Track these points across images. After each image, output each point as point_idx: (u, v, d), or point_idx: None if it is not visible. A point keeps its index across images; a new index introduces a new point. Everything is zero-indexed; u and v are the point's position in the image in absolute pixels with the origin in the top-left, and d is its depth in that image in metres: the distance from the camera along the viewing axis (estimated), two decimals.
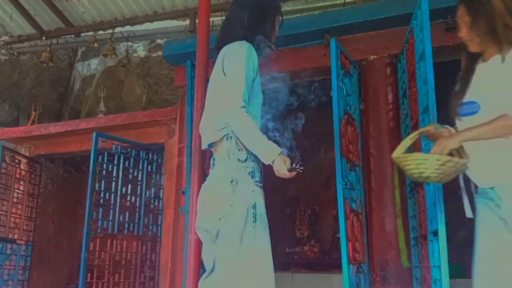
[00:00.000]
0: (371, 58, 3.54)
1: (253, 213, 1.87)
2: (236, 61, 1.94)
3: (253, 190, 1.90)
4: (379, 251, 3.25)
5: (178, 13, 4.76)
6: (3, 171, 4.78)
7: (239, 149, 1.92)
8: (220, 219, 1.90)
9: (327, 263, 4.19)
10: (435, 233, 2.38)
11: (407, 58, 3.15)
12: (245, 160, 1.92)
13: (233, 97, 1.88)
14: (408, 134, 3.16)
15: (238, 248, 1.85)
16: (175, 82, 4.31)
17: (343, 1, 4.53)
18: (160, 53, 6.03)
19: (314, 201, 5.31)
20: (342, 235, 2.77)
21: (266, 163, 1.87)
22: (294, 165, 1.82)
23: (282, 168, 1.83)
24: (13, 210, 4.91)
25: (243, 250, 1.85)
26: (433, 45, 2.55)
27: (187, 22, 4.75)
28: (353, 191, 3.09)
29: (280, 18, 2.16)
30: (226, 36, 2.08)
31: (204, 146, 2.11)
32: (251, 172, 1.92)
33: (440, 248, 2.31)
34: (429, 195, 2.52)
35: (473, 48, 1.95)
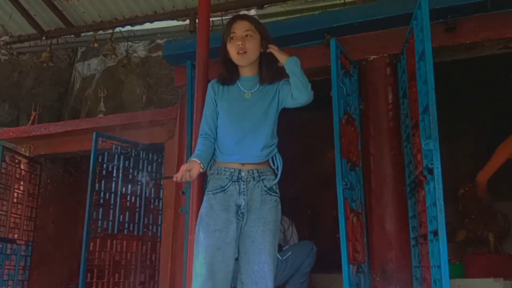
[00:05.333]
0: (371, 58, 3.54)
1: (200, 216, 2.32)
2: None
3: (204, 199, 2.36)
4: (379, 251, 3.25)
5: (178, 13, 4.76)
6: (3, 171, 4.77)
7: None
8: None
9: (327, 263, 4.18)
10: (435, 233, 2.38)
11: (407, 58, 3.15)
12: (207, 176, 2.44)
13: None
14: (408, 134, 3.17)
15: None
16: (175, 82, 4.30)
17: (343, 1, 4.53)
18: (160, 53, 6.03)
19: (314, 201, 5.31)
20: (342, 235, 2.76)
21: None
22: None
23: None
24: (13, 210, 4.90)
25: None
26: (433, 45, 2.54)
27: (187, 22, 4.76)
28: (353, 191, 3.09)
29: (230, 34, 2.37)
30: None
31: None
32: (205, 184, 2.45)
33: (440, 248, 2.31)
34: (429, 195, 2.52)
35: None
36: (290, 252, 3.64)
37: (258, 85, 2.40)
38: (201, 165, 2.29)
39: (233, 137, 2.35)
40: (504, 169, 4.22)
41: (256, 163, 2.32)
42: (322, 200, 5.07)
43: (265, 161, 2.35)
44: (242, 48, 2.32)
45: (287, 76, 2.38)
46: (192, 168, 2.25)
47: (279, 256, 3.54)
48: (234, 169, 2.31)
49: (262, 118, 2.35)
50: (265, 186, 2.31)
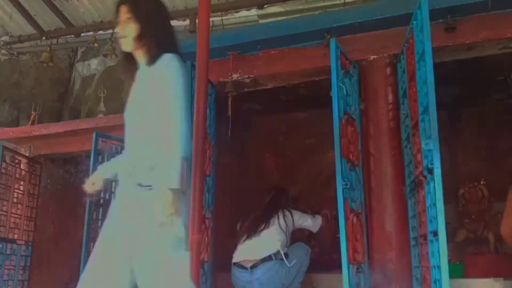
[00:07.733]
0: (371, 58, 3.54)
1: None
2: None
3: None
4: (379, 251, 3.25)
5: (178, 13, 4.76)
6: (3, 171, 4.77)
7: None
8: None
9: (327, 263, 4.18)
10: (435, 233, 2.38)
11: (407, 58, 3.15)
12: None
13: None
14: (408, 134, 3.17)
15: None
16: None
17: (343, 1, 4.53)
18: None
19: (314, 201, 5.30)
20: (342, 235, 2.77)
21: None
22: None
23: None
24: (13, 210, 4.90)
25: None
26: (433, 45, 2.55)
27: (187, 22, 4.76)
28: (353, 191, 3.09)
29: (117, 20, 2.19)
30: None
31: None
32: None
33: (440, 248, 2.32)
34: (429, 195, 2.52)
35: None
36: (295, 260, 3.67)
37: (145, 69, 2.04)
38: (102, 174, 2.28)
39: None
40: (505, 168, 4.23)
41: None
42: (322, 200, 5.06)
43: None
44: (122, 34, 2.09)
45: (172, 49, 2.02)
46: (95, 180, 2.28)
47: (287, 263, 3.58)
48: None
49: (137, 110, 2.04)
50: (136, 181, 1.99)
